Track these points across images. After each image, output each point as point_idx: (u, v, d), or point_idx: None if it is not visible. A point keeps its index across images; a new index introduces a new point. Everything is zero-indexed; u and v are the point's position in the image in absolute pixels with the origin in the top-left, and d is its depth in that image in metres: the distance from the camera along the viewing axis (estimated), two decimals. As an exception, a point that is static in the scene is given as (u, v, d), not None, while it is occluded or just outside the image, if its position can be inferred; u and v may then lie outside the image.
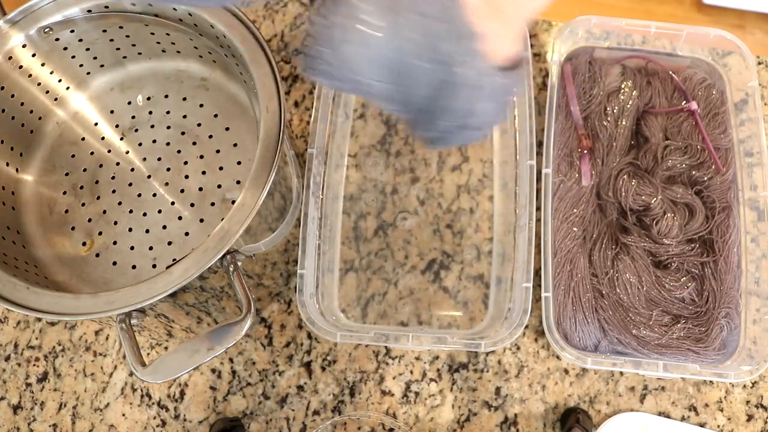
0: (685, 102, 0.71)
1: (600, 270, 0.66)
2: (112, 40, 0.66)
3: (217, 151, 0.68)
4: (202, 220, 0.64)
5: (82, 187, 0.67)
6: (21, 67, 0.62)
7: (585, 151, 0.70)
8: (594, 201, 0.69)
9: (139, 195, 0.66)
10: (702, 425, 0.66)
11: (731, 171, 0.69)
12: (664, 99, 0.72)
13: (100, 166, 0.67)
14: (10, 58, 0.60)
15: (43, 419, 0.68)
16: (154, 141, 0.68)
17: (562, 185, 0.69)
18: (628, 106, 0.71)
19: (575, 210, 0.68)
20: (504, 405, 0.67)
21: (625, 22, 0.72)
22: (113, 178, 0.67)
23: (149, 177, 0.66)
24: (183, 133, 0.68)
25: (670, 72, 0.73)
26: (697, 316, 0.65)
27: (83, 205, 0.66)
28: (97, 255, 0.64)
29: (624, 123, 0.71)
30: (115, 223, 0.65)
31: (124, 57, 0.70)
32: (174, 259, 0.62)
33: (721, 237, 0.66)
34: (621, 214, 0.69)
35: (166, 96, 0.71)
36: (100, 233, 0.65)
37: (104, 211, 0.65)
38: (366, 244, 0.72)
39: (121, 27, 0.64)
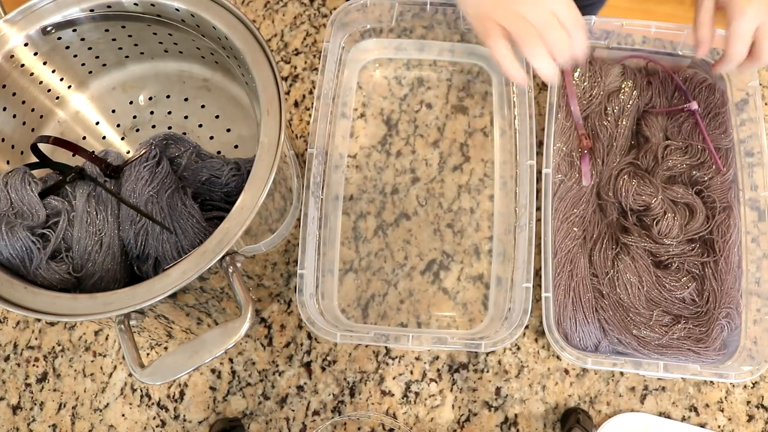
0: (685, 102, 0.71)
1: (600, 270, 0.66)
2: (114, 39, 0.66)
3: (218, 152, 0.68)
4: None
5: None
6: (22, 65, 0.62)
7: (585, 151, 0.70)
8: (594, 201, 0.69)
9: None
10: (702, 425, 0.66)
11: (732, 171, 0.69)
12: (664, 99, 0.72)
13: (101, 166, 0.67)
14: (12, 57, 0.60)
15: (43, 419, 0.68)
16: (155, 141, 0.68)
17: (562, 185, 0.69)
18: (628, 106, 0.71)
19: (575, 210, 0.68)
20: (504, 405, 0.67)
21: (625, 22, 0.72)
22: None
23: (149, 177, 0.66)
24: (184, 134, 0.68)
25: (671, 72, 0.73)
26: (698, 316, 0.65)
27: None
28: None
29: (624, 123, 0.71)
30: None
31: (127, 57, 0.70)
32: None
33: (722, 237, 0.66)
34: (621, 214, 0.69)
35: (168, 96, 0.71)
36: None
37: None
38: (366, 245, 0.72)
39: (123, 27, 0.64)
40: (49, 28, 0.61)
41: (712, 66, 0.66)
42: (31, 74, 0.64)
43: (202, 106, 0.70)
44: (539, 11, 0.54)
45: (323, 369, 0.69)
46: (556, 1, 0.54)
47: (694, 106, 0.70)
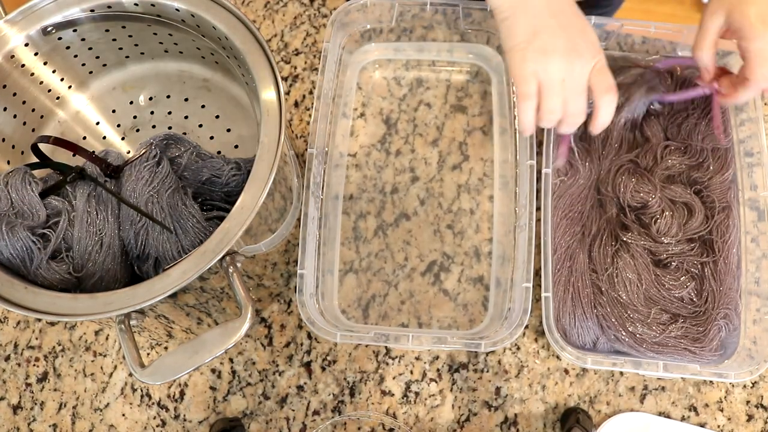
0: (691, 107, 0.71)
1: (600, 266, 0.66)
2: (114, 39, 0.66)
3: (219, 152, 0.68)
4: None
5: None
6: (23, 66, 0.62)
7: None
8: (594, 196, 0.69)
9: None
10: (702, 425, 0.66)
11: (731, 171, 0.69)
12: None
13: (101, 166, 0.68)
14: (12, 57, 0.60)
15: (43, 419, 0.68)
16: (155, 141, 0.68)
17: (561, 183, 0.69)
18: (628, 104, 0.71)
19: (574, 206, 0.68)
20: (504, 405, 0.67)
21: (624, 22, 0.72)
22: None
23: (150, 177, 0.66)
24: (185, 134, 0.68)
25: (670, 72, 0.73)
26: (696, 316, 0.65)
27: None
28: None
29: (620, 115, 0.71)
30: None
31: (127, 57, 0.70)
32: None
33: (721, 237, 0.66)
34: (620, 211, 0.69)
35: (168, 96, 0.71)
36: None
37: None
38: (366, 245, 0.72)
39: (123, 27, 0.64)
40: (49, 29, 0.61)
41: (723, 96, 0.66)
42: (32, 74, 0.64)
43: (203, 106, 0.70)
44: (577, 85, 0.57)
45: (323, 369, 0.69)
46: (590, 67, 0.57)
47: (708, 90, 0.67)
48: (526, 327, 0.69)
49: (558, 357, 0.69)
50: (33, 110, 0.66)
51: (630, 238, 0.66)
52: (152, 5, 0.61)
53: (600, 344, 0.65)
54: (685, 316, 0.65)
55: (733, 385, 0.68)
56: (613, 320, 0.64)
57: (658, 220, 0.66)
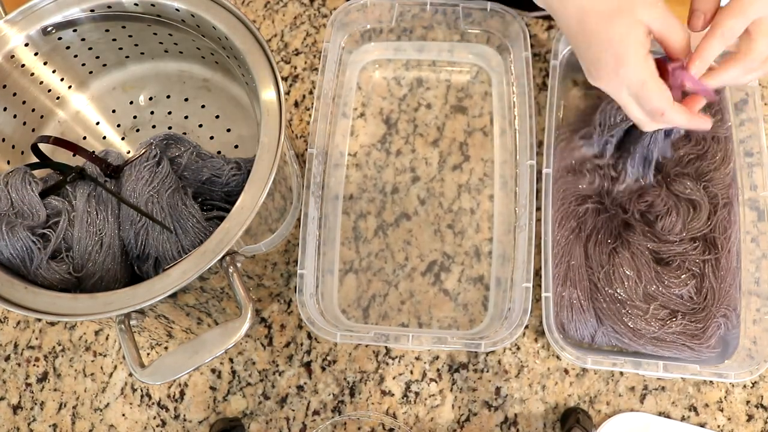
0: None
1: (596, 262, 0.66)
2: (114, 39, 0.66)
3: (219, 152, 0.68)
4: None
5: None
6: (23, 66, 0.62)
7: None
8: (596, 197, 0.69)
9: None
10: (702, 425, 0.66)
11: (732, 164, 0.69)
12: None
13: (101, 166, 0.68)
14: (12, 57, 0.60)
15: (43, 419, 0.68)
16: (155, 141, 0.68)
17: (562, 179, 0.69)
18: None
19: (573, 204, 0.68)
20: (504, 405, 0.67)
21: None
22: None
23: (150, 177, 0.66)
24: (185, 134, 0.68)
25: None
26: (695, 313, 0.65)
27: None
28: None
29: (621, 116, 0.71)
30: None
31: (127, 57, 0.70)
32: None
33: (723, 233, 0.66)
34: (623, 210, 0.69)
35: (168, 96, 0.71)
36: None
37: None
38: (366, 245, 0.72)
39: (123, 27, 0.64)
40: (49, 29, 0.61)
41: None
42: (32, 74, 0.64)
43: (202, 106, 0.70)
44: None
45: (323, 369, 0.69)
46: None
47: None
48: (526, 327, 0.69)
49: (558, 357, 0.69)
50: (33, 110, 0.66)
51: (633, 238, 0.66)
52: (152, 5, 0.61)
53: (598, 337, 0.65)
54: (684, 312, 0.65)
55: (733, 385, 0.68)
56: (610, 314, 0.64)
57: (664, 218, 0.66)
